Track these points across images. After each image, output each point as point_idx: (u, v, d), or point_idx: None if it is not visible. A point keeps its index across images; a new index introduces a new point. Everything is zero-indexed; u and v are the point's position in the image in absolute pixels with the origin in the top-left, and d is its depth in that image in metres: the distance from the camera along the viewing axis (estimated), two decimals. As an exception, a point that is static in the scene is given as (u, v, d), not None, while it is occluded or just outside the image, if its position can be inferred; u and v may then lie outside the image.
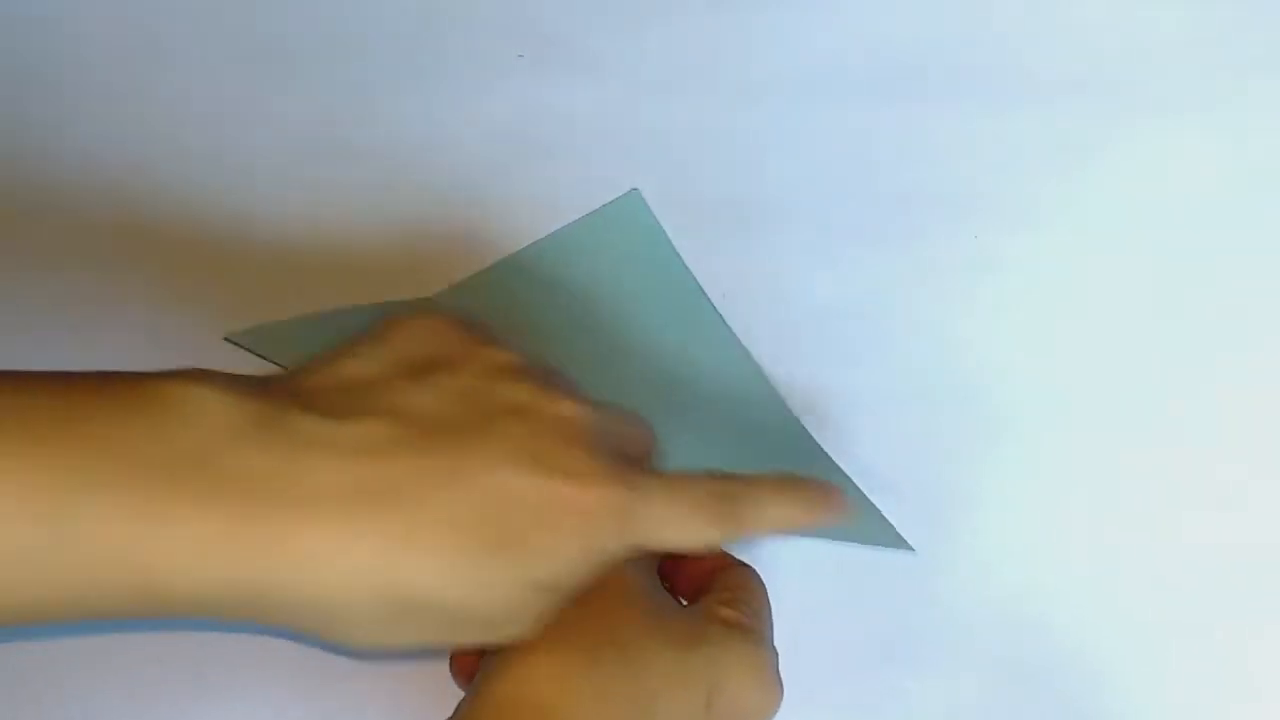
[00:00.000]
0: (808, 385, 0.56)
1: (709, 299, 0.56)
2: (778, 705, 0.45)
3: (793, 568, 0.53)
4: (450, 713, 0.41)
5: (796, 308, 0.57)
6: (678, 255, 0.57)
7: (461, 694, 0.48)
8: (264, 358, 0.53)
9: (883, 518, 0.52)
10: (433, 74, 0.61)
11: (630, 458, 0.42)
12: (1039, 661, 0.52)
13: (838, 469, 0.53)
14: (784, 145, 0.59)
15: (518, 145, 0.59)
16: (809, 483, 0.45)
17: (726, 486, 0.43)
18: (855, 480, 0.53)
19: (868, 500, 0.52)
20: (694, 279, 0.57)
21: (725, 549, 0.50)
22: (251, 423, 0.38)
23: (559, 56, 0.61)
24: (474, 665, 0.46)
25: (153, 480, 0.36)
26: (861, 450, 0.55)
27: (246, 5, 0.62)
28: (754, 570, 0.49)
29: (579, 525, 0.40)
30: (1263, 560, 0.53)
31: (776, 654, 0.46)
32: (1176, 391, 0.56)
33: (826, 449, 0.54)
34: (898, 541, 0.52)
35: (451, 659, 0.48)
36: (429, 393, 0.40)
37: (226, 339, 0.53)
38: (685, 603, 0.47)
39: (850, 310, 0.57)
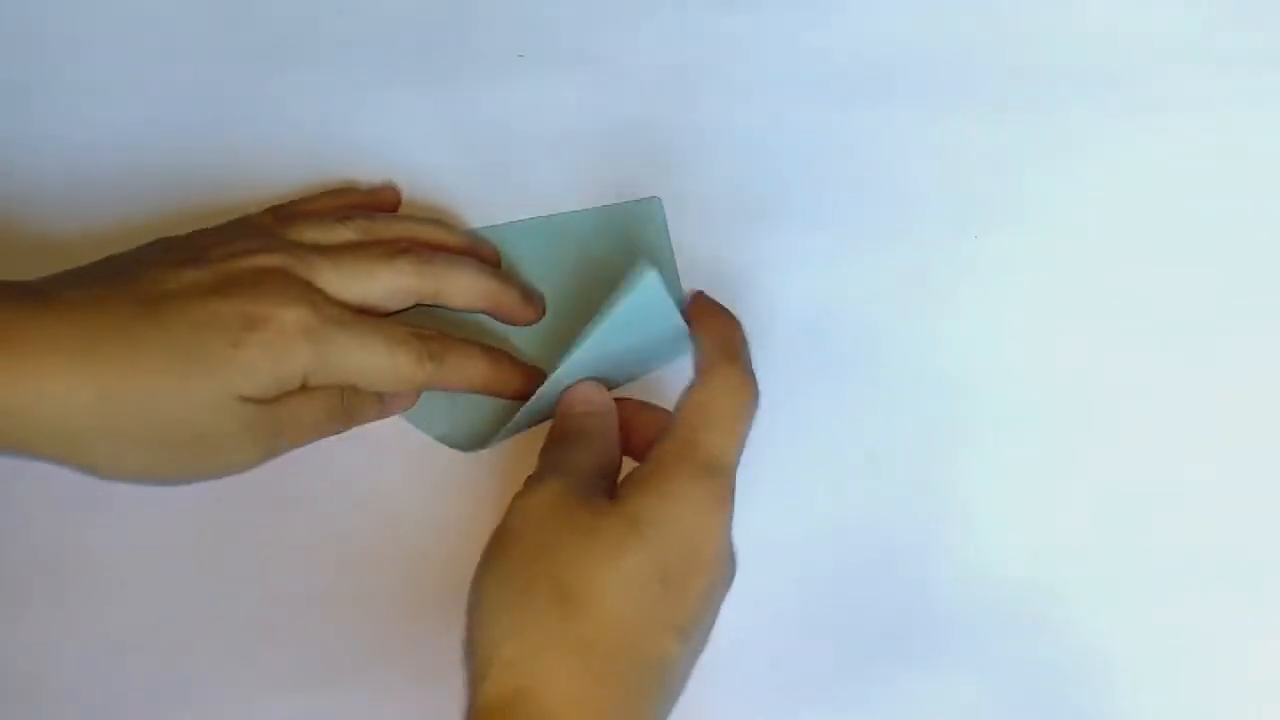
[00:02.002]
0: (806, 385, 0.55)
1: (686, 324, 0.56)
2: (723, 526, 0.45)
3: (793, 569, 0.53)
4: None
5: (795, 307, 0.57)
6: (675, 270, 0.57)
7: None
8: None
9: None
10: (433, 74, 0.61)
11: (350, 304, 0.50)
12: (1040, 660, 0.52)
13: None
14: (783, 145, 0.59)
15: (518, 145, 0.59)
16: (507, 359, 0.54)
17: (431, 334, 0.52)
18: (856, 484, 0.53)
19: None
20: (683, 299, 0.56)
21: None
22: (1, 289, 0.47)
23: (559, 56, 0.61)
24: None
25: None
26: (862, 450, 0.55)
27: (246, 3, 0.62)
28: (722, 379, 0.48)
29: (267, 340, 0.48)
30: (1266, 560, 0.53)
31: (720, 471, 0.45)
32: (1179, 389, 0.56)
33: (827, 448, 0.54)
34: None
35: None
36: (148, 265, 0.50)
37: None
38: None
39: (849, 310, 0.57)
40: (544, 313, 0.56)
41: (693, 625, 0.44)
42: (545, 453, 0.49)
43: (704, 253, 0.58)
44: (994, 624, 0.52)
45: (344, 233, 0.53)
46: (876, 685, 0.52)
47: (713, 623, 0.46)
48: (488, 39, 0.61)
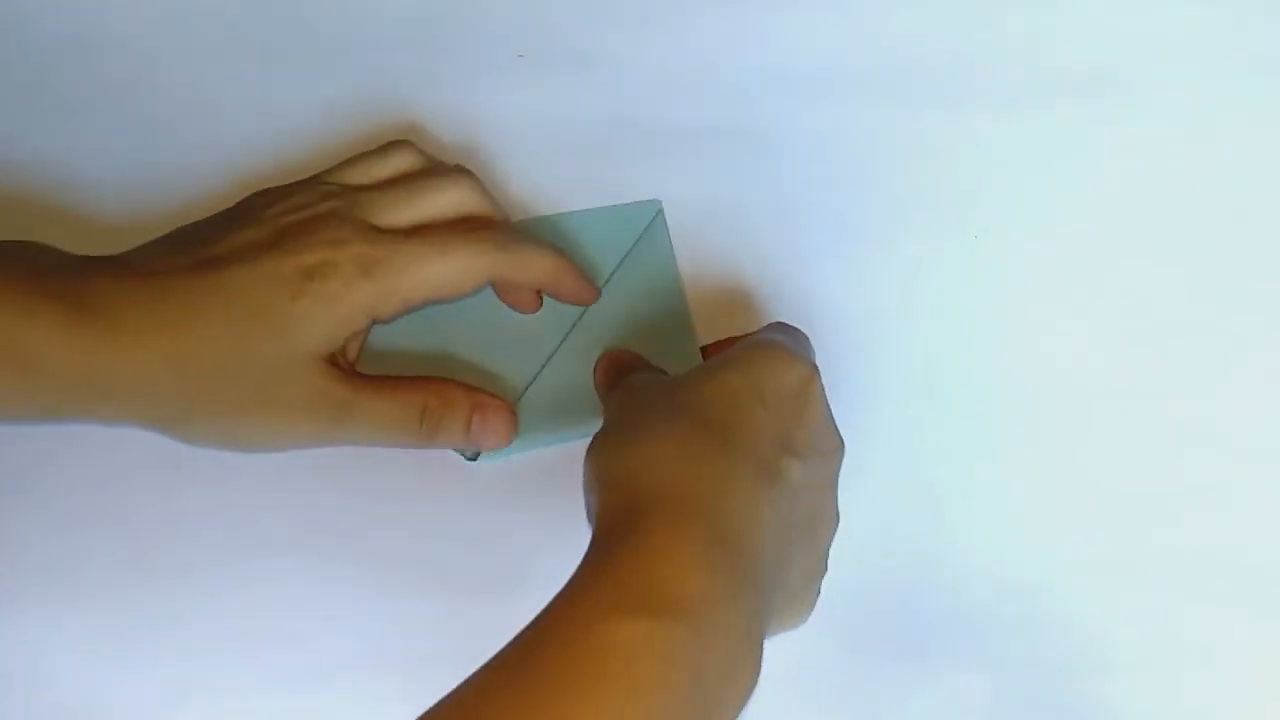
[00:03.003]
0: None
1: (694, 327, 0.56)
2: (811, 376, 0.47)
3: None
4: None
5: (795, 307, 0.57)
6: (678, 273, 0.57)
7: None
8: None
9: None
10: (433, 74, 0.61)
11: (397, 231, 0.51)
12: (1040, 660, 0.52)
13: None
14: (783, 145, 0.60)
15: (518, 145, 0.59)
16: (568, 258, 0.54)
17: (488, 231, 0.52)
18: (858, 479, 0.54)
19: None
20: (686, 302, 0.56)
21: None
22: (79, 261, 0.50)
23: (559, 56, 0.61)
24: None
25: (14, 287, 0.48)
26: (864, 449, 0.55)
27: (246, 4, 0.62)
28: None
29: (325, 286, 0.49)
30: (1265, 560, 0.53)
31: (787, 343, 0.47)
32: (1179, 389, 0.56)
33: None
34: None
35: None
36: (207, 233, 0.51)
37: None
38: None
39: (850, 310, 0.57)
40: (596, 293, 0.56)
41: (805, 447, 0.45)
42: (608, 391, 0.52)
43: (704, 253, 0.58)
44: (994, 624, 0.52)
45: (394, 163, 0.53)
46: (877, 684, 0.52)
47: (830, 480, 0.47)
48: (488, 39, 0.61)
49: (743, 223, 0.58)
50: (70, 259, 0.50)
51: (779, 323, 0.51)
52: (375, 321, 0.51)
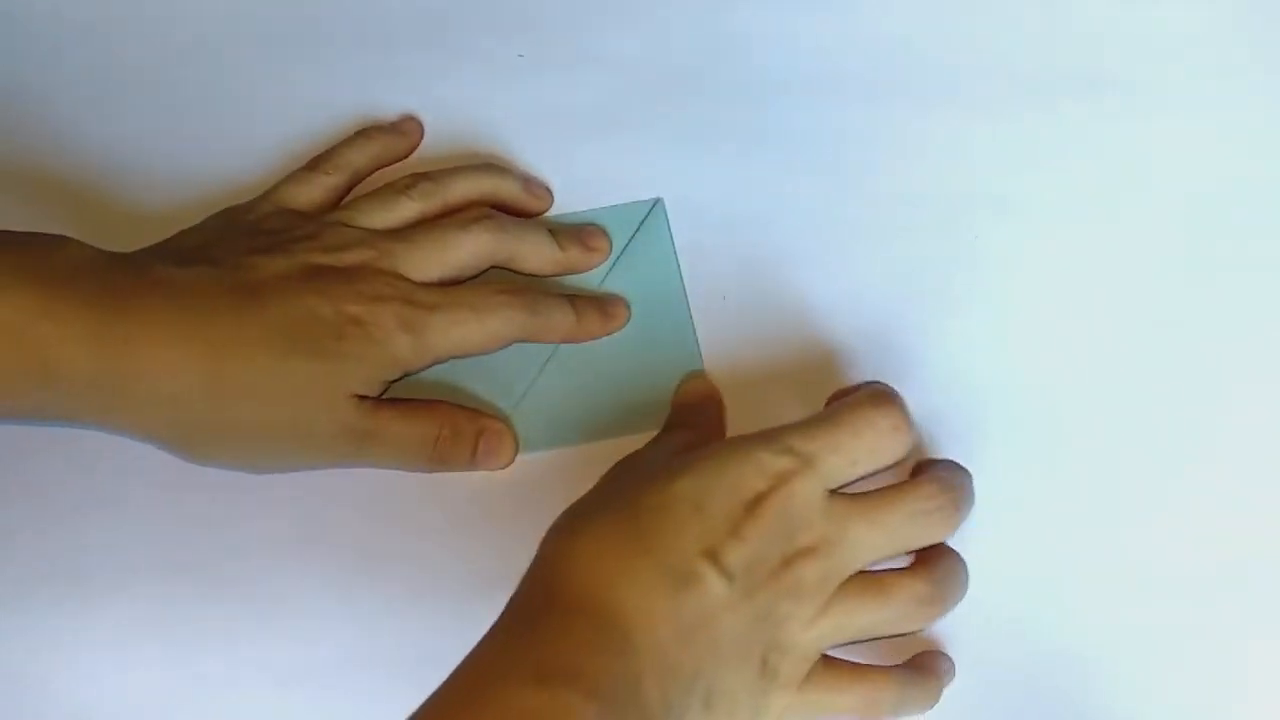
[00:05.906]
0: (807, 385, 0.55)
1: (694, 327, 0.56)
2: (769, 491, 0.46)
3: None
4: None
5: (795, 308, 0.57)
6: (679, 272, 0.57)
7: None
8: None
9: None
10: (433, 74, 0.61)
11: (429, 284, 0.53)
12: (1031, 660, 0.52)
13: None
14: (783, 145, 0.59)
15: (518, 145, 0.59)
16: (603, 297, 0.56)
17: (517, 288, 0.54)
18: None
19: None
20: (686, 302, 0.57)
21: None
22: (108, 261, 0.50)
23: (559, 56, 0.61)
24: None
25: (37, 286, 0.48)
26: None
27: (247, 4, 0.62)
28: None
29: (367, 335, 0.50)
30: (1260, 561, 0.53)
31: (780, 447, 0.47)
32: (1177, 391, 0.56)
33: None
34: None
35: None
36: (231, 248, 0.52)
37: None
38: None
39: (849, 311, 0.57)
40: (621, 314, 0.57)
41: (732, 558, 0.44)
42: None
43: (704, 253, 0.58)
44: (988, 624, 0.52)
45: (410, 205, 0.55)
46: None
47: (792, 614, 0.46)
48: (488, 39, 0.61)
49: (742, 222, 0.58)
50: (101, 259, 0.50)
51: (871, 387, 0.49)
52: (406, 373, 0.52)
